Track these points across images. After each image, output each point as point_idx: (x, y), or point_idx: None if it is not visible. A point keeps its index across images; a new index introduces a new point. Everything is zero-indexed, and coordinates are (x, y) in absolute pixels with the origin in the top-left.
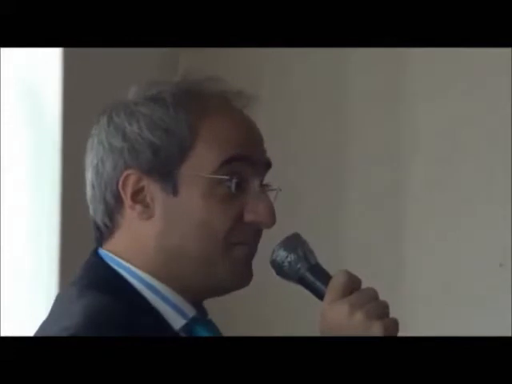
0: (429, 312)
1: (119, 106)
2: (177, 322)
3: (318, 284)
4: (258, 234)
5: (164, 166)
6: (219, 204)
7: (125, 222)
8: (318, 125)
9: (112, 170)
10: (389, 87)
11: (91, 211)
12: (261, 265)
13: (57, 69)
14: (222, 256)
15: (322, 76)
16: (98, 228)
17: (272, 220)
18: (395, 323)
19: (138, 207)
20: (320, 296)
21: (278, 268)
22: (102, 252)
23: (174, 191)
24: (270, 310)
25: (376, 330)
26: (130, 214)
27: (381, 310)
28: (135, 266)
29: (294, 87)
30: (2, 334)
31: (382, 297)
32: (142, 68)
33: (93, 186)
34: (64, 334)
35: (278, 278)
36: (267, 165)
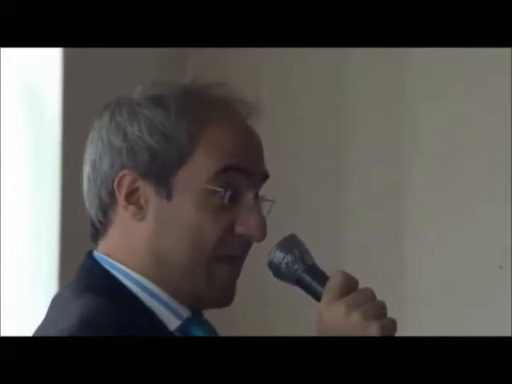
0: (429, 312)
1: (123, 104)
2: (172, 323)
3: (315, 285)
4: (247, 246)
5: (160, 171)
6: (211, 214)
7: (118, 220)
8: (317, 125)
9: (109, 168)
10: (389, 87)
11: (87, 205)
12: (260, 265)
13: (57, 69)
14: (204, 269)
15: (322, 76)
16: (93, 224)
17: (262, 234)
18: (393, 323)
19: (132, 208)
20: (317, 297)
21: (276, 270)
22: (97, 254)
23: (168, 196)
24: (268, 310)
25: (373, 330)
26: (123, 214)
27: (378, 310)
28: (129, 267)
29: (293, 87)
30: (2, 334)
31: (381, 297)
32: (142, 68)
33: (89, 180)
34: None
35: (275, 279)
36: (264, 177)
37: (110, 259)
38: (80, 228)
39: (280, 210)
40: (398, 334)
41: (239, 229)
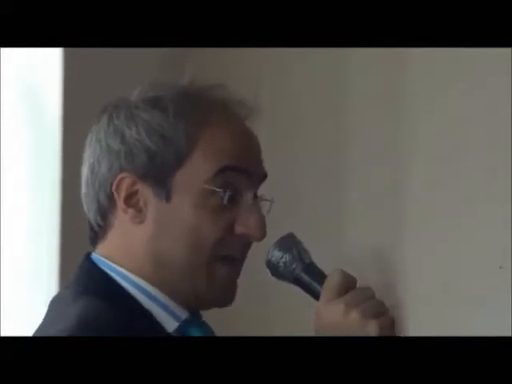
0: (429, 312)
1: (120, 107)
2: (170, 325)
3: (314, 284)
4: (246, 246)
5: (159, 172)
6: (210, 214)
7: (117, 223)
8: (318, 125)
9: (107, 171)
10: (389, 87)
11: (85, 209)
12: (259, 265)
13: (57, 69)
14: (204, 270)
15: (322, 76)
16: (91, 228)
17: (262, 233)
18: (391, 322)
19: (131, 211)
20: (315, 296)
21: (274, 269)
22: (95, 256)
23: (167, 197)
24: (267, 309)
25: (372, 329)
26: (123, 217)
27: (377, 309)
28: (128, 270)
29: (293, 87)
30: (2, 334)
31: (381, 297)
32: (142, 68)
33: (87, 183)
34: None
35: (273, 278)
36: (262, 177)
37: (108, 261)
38: (80, 228)
39: (280, 210)
40: (398, 333)
41: (239, 229)
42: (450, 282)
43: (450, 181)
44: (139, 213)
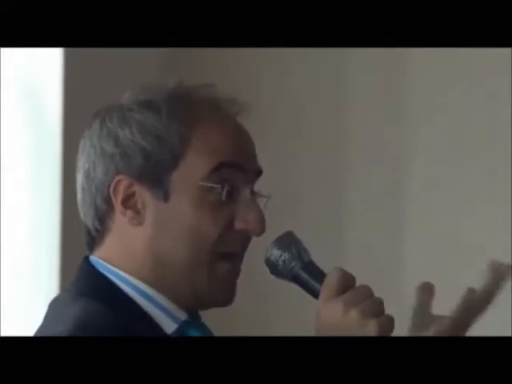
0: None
1: (112, 111)
2: (169, 327)
3: (313, 282)
4: (246, 242)
5: (155, 172)
6: (209, 211)
7: (115, 227)
8: (318, 125)
9: (103, 175)
10: (389, 87)
11: (82, 215)
12: (259, 264)
13: (57, 69)
14: (206, 268)
15: (322, 76)
16: (88, 232)
17: (262, 228)
18: (391, 320)
19: (129, 213)
20: (315, 294)
21: (272, 267)
22: (93, 259)
23: (165, 197)
24: (267, 309)
25: (371, 327)
26: (121, 220)
27: (376, 308)
28: (126, 272)
29: (294, 87)
30: (2, 334)
31: (381, 296)
32: (142, 68)
33: (83, 190)
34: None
35: (272, 276)
36: (258, 172)
37: (106, 264)
38: (80, 228)
39: (280, 209)
40: (398, 333)
41: (238, 224)
42: (449, 282)
43: (450, 181)
44: (137, 214)
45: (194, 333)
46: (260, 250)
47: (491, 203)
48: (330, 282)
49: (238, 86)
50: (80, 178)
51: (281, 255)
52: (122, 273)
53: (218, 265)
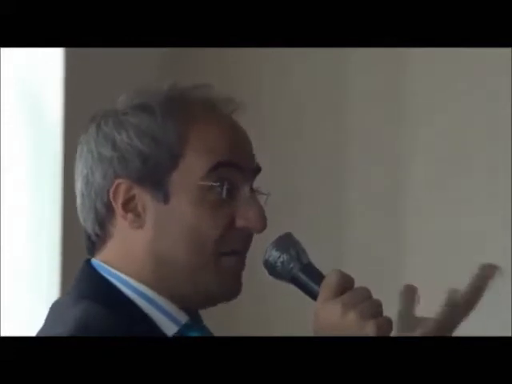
0: (428, 312)
1: (108, 115)
2: (169, 329)
3: (311, 284)
4: (248, 240)
5: (154, 174)
6: (210, 211)
7: (116, 231)
8: (318, 125)
9: (102, 180)
10: (389, 87)
11: (81, 221)
12: (258, 264)
13: (57, 69)
14: (210, 265)
15: (322, 76)
16: (89, 237)
17: (263, 225)
18: (389, 322)
19: (130, 216)
20: (313, 296)
21: (271, 268)
22: (95, 262)
23: (165, 199)
24: (267, 308)
25: (369, 329)
26: (122, 223)
27: (374, 309)
28: (127, 274)
29: (294, 87)
30: (2, 334)
31: (382, 296)
32: (142, 68)
33: (82, 196)
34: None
35: (271, 278)
36: (256, 170)
37: (107, 266)
38: (80, 228)
39: (280, 209)
40: (399, 333)
41: (239, 222)
42: (449, 282)
43: (450, 181)
44: (138, 217)
45: (195, 335)
46: (260, 249)
47: (491, 203)
48: (329, 283)
49: (238, 86)
50: (79, 184)
51: (279, 256)
52: (122, 275)
53: (221, 261)
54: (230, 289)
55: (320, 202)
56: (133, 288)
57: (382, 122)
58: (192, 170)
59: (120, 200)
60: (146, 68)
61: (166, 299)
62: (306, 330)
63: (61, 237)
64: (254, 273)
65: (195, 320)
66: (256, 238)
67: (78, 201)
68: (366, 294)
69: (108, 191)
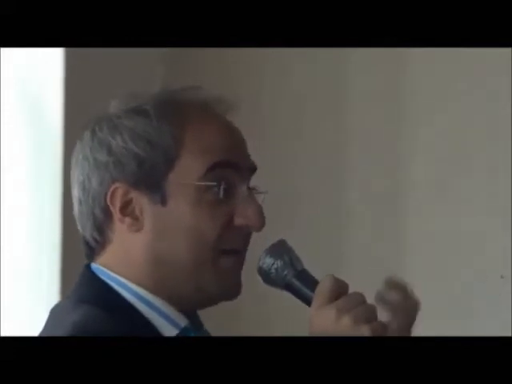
0: (429, 312)
1: (101, 120)
2: (169, 333)
3: (305, 290)
4: (247, 238)
5: (150, 177)
6: (208, 210)
7: (115, 235)
8: (318, 125)
9: (99, 185)
10: (389, 87)
11: (79, 227)
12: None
13: (57, 69)
14: (210, 265)
15: (322, 76)
16: (87, 243)
17: (262, 222)
18: (383, 327)
19: (128, 220)
20: (308, 302)
21: (265, 275)
22: (94, 266)
23: (163, 201)
24: (267, 308)
25: (363, 333)
26: (120, 227)
27: (368, 314)
28: (127, 278)
29: (293, 87)
30: (2, 334)
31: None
32: (143, 68)
33: (80, 202)
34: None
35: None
36: (252, 169)
37: (107, 270)
38: None
39: (280, 210)
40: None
41: (238, 220)
42: (449, 282)
43: (450, 181)
44: (136, 221)
45: None
46: (260, 250)
47: (491, 203)
48: (323, 289)
49: (238, 86)
50: (76, 192)
51: (273, 263)
52: (122, 279)
53: (220, 260)
54: (230, 288)
55: (320, 202)
56: (132, 291)
57: (382, 122)
58: (188, 171)
59: (117, 204)
60: (146, 68)
61: (164, 302)
62: (306, 330)
63: (61, 237)
64: (254, 273)
65: (195, 323)
66: (256, 238)
67: (76, 208)
68: (360, 299)
69: (105, 196)
